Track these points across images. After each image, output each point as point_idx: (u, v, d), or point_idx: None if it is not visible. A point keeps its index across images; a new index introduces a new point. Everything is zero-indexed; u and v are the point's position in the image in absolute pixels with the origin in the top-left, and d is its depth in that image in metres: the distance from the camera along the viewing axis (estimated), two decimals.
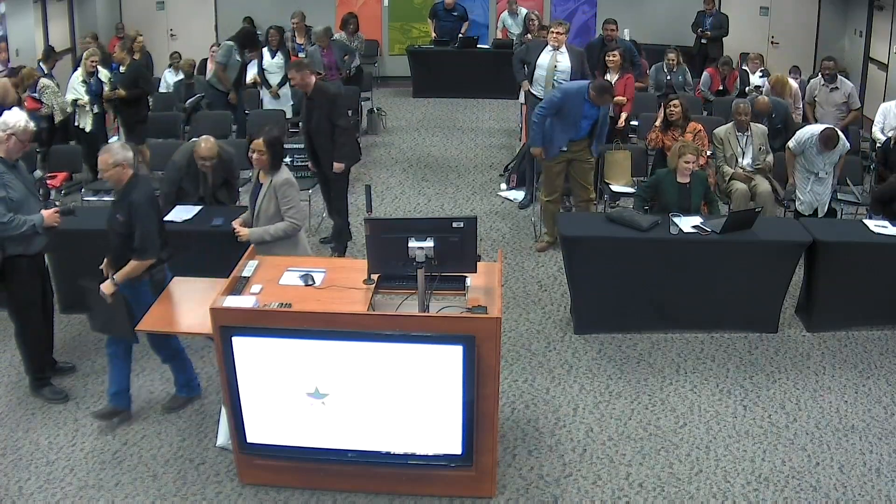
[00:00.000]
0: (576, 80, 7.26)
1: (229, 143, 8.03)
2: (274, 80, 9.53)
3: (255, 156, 5.04)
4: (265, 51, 9.62)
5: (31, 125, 4.79)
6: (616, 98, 7.68)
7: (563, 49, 7.76)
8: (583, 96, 6.70)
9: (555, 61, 7.76)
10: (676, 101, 7.26)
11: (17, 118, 4.71)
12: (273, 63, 9.57)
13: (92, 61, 8.55)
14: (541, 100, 7.58)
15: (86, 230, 5.46)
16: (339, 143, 6.62)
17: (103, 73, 8.71)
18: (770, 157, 7.15)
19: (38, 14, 11.28)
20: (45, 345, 5.20)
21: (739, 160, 7.16)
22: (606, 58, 8.21)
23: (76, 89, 8.52)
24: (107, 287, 4.53)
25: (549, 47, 7.80)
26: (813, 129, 6.87)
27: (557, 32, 7.72)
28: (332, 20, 13.14)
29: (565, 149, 6.85)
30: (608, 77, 8.04)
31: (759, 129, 7.24)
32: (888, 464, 4.59)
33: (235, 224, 5.24)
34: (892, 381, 5.40)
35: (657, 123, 7.45)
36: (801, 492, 4.37)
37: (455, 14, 12.26)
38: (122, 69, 8.64)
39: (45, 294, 5.11)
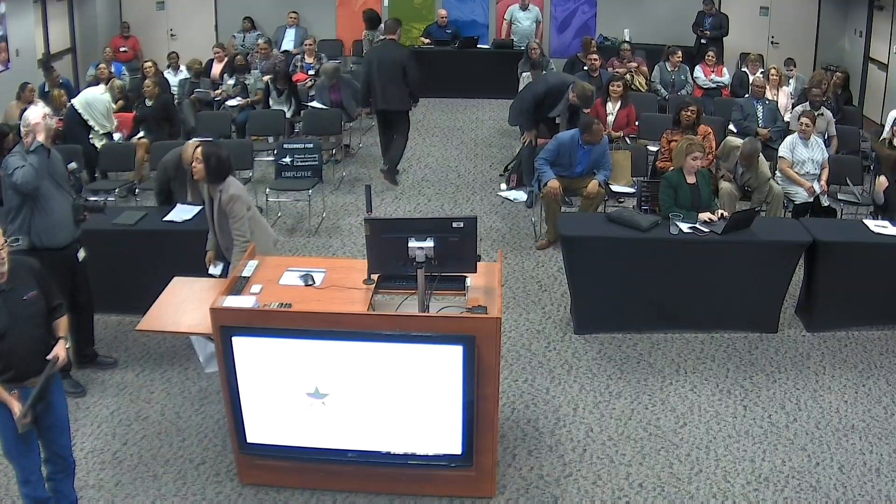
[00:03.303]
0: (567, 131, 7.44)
1: (229, 144, 8.09)
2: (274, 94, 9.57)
3: (195, 164, 4.95)
4: (271, 87, 9.62)
5: (50, 122, 4.76)
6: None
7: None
8: (576, 142, 7.09)
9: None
10: (694, 108, 7.45)
11: (36, 115, 4.72)
12: (280, 99, 9.52)
13: (123, 94, 8.59)
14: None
15: (105, 230, 5.56)
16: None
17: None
18: (757, 198, 7.05)
19: (38, 14, 11.27)
20: (74, 338, 5.19)
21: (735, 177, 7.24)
22: (610, 88, 8.47)
23: (105, 117, 8.31)
24: (62, 350, 3.75)
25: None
26: (794, 133, 7.31)
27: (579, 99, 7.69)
28: (333, 20, 13.19)
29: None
30: (609, 106, 8.41)
31: (763, 175, 7.05)
32: (888, 464, 4.59)
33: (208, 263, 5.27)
34: (892, 381, 5.40)
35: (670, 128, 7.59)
36: (801, 492, 4.37)
37: (449, 32, 12.32)
38: (148, 102, 8.56)
39: (76, 290, 5.11)
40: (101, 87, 8.79)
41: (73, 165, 5.19)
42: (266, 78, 9.90)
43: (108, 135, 8.35)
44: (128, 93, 9.44)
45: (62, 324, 3.90)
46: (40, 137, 4.68)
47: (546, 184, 7.05)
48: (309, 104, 9.57)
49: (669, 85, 10.05)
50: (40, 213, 4.81)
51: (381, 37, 10.60)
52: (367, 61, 8.52)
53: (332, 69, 9.47)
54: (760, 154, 7.11)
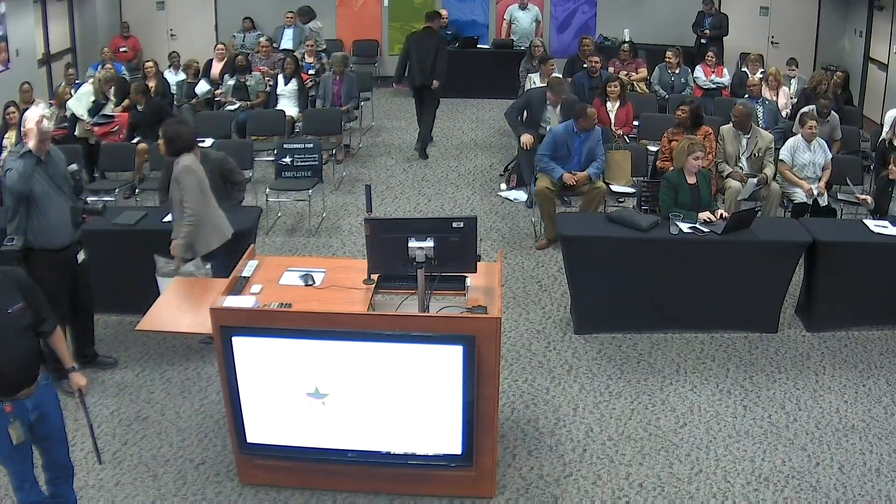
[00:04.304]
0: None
1: (229, 143, 8.09)
2: (286, 103, 9.54)
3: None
4: (279, 76, 9.70)
5: (45, 126, 4.70)
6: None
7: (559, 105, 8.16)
8: (571, 131, 7.18)
9: (557, 118, 8.10)
10: (686, 107, 7.47)
11: (33, 115, 4.69)
12: (286, 89, 9.61)
13: (108, 85, 8.63)
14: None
15: (105, 230, 5.55)
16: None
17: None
18: (769, 170, 7.06)
19: (38, 14, 11.27)
20: (74, 339, 5.27)
21: (740, 159, 7.20)
22: (608, 88, 8.55)
23: (81, 105, 8.56)
24: (81, 379, 3.81)
25: (548, 104, 8.13)
26: (797, 136, 7.30)
27: (556, 95, 8.06)
28: (333, 20, 13.18)
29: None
30: (608, 106, 8.47)
31: (766, 136, 7.21)
32: (888, 464, 4.59)
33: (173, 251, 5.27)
34: (892, 381, 5.40)
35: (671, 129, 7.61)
36: (801, 492, 4.37)
37: (449, 32, 12.35)
38: (139, 108, 8.59)
39: (76, 291, 5.12)
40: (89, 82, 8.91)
41: (73, 167, 5.11)
42: (267, 77, 9.95)
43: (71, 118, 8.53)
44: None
45: (62, 347, 3.81)
46: (31, 143, 4.66)
47: (560, 177, 7.09)
48: (318, 98, 9.79)
49: (669, 87, 10.03)
50: (37, 214, 4.78)
51: (314, 27, 11.61)
52: (407, 44, 9.74)
53: (341, 56, 9.80)
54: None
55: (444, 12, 12.49)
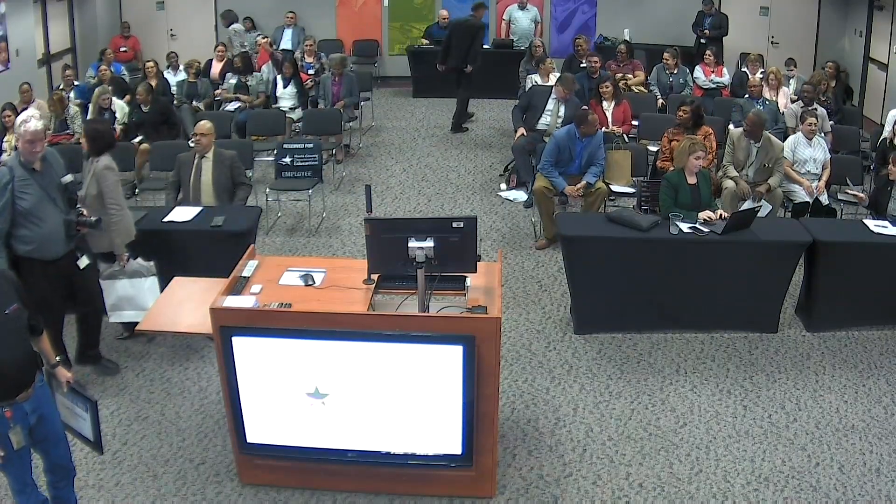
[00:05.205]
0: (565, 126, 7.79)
1: (229, 144, 8.08)
2: (287, 104, 9.60)
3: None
4: (279, 79, 9.75)
5: (31, 125, 4.54)
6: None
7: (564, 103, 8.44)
8: (573, 136, 7.22)
9: (558, 111, 8.37)
10: (687, 107, 7.48)
11: (20, 120, 4.60)
12: (286, 91, 9.66)
13: (104, 99, 8.62)
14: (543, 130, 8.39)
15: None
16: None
17: (117, 105, 8.80)
18: (774, 179, 6.96)
19: (38, 14, 11.28)
20: (80, 337, 5.32)
21: (746, 168, 7.12)
22: (600, 89, 8.66)
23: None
24: (65, 373, 3.81)
25: (553, 97, 8.44)
26: (797, 133, 7.36)
27: (566, 89, 8.34)
28: (333, 21, 13.20)
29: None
30: (604, 105, 8.55)
31: (778, 146, 7.07)
32: (888, 464, 4.59)
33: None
34: (892, 381, 5.41)
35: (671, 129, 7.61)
36: (801, 492, 4.37)
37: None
38: (144, 108, 8.60)
39: (77, 297, 5.09)
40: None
41: (68, 178, 4.88)
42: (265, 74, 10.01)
43: None
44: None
45: (46, 346, 3.80)
46: (20, 149, 4.60)
47: (563, 191, 7.16)
48: (319, 98, 9.83)
49: (667, 87, 10.02)
50: (30, 225, 4.68)
51: (237, 29, 12.20)
52: (449, 29, 10.75)
53: (339, 58, 9.84)
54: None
55: (444, 13, 12.51)
